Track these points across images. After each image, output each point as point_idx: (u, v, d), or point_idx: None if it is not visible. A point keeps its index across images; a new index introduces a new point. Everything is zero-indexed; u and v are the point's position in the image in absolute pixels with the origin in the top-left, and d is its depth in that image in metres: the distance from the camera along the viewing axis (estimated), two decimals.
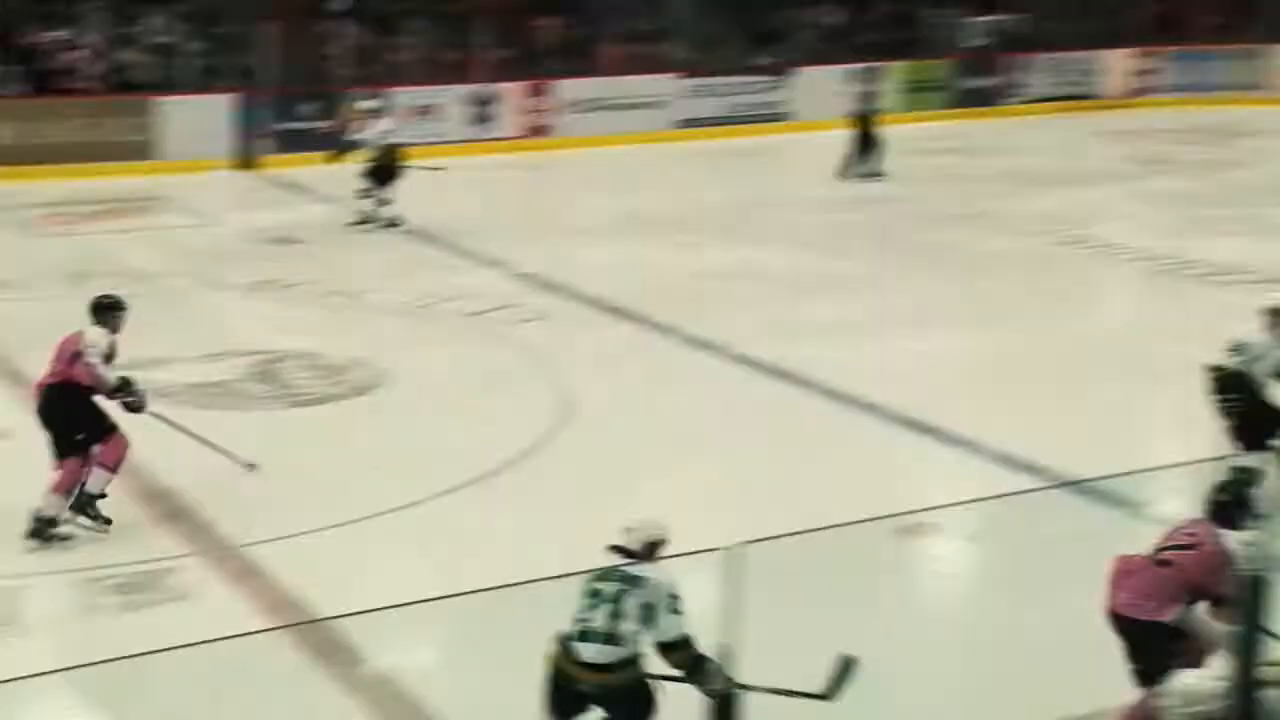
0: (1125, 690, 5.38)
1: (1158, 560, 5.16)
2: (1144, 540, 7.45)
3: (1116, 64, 23.86)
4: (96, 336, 7.24)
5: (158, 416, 7.55)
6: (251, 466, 7.81)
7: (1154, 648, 5.01)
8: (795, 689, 4.72)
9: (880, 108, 18.17)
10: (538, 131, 20.37)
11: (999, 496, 7.74)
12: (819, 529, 7.15)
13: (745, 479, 7.68)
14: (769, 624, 4.92)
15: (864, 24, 23.76)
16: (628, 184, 17.84)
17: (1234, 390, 7.63)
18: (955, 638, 6.28)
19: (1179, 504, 7.77)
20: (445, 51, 21.29)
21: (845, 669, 4.79)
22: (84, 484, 7.11)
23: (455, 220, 14.73)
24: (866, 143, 17.53)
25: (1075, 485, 7.80)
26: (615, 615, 4.77)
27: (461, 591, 6.43)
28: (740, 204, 16.40)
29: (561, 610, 4.85)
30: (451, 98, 19.46)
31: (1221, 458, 7.33)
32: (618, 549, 4.96)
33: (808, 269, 13.15)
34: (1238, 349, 7.71)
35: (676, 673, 4.81)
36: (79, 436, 7.16)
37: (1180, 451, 8.32)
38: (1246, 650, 3.85)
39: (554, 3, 21.66)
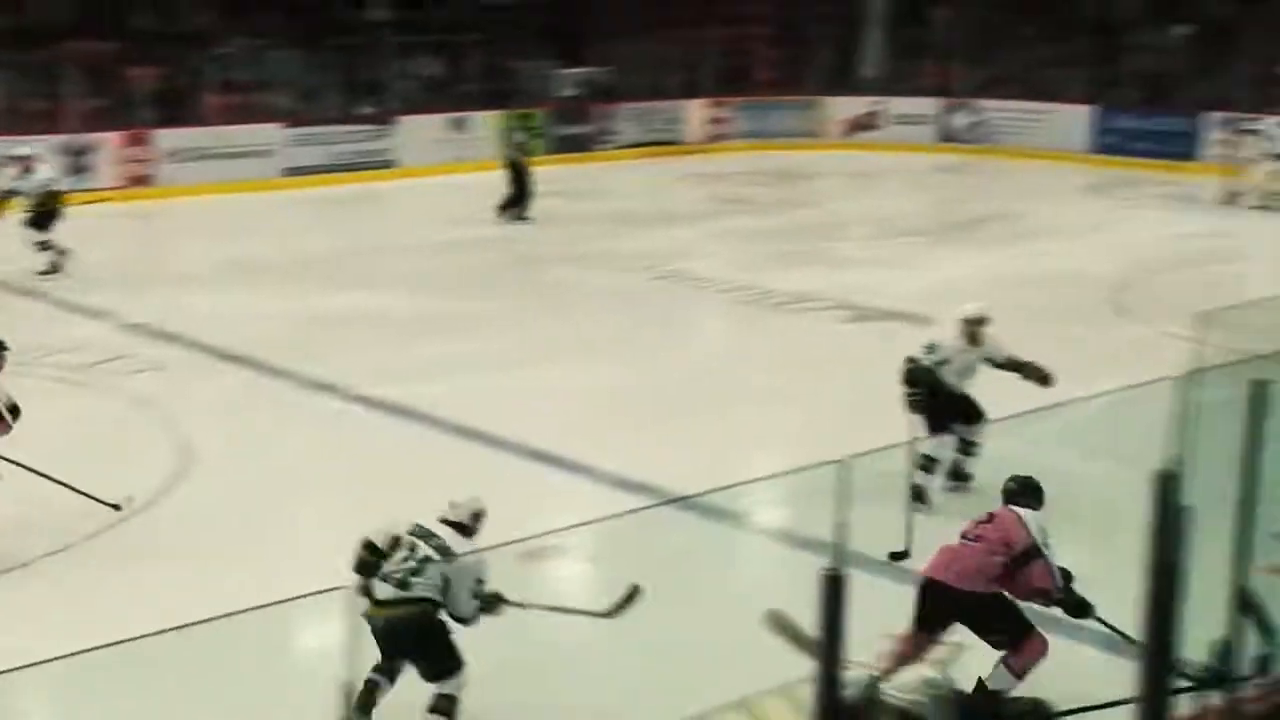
0: (739, 692, 5.65)
1: (971, 538, 5.66)
2: (747, 547, 7.96)
3: (695, 113, 25.12)
4: None
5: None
6: (118, 507, 7.68)
7: (995, 617, 5.52)
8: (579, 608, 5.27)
9: (531, 152, 18.36)
10: (139, 181, 19.45)
11: (614, 516, 7.95)
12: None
13: (371, 518, 7.59)
14: None
15: (461, 75, 24.05)
16: (235, 232, 17.27)
17: (920, 383, 8.08)
18: (580, 654, 6.41)
19: (775, 514, 8.29)
20: (31, 100, 20.04)
21: (631, 596, 5.44)
22: None
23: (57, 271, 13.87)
24: (518, 186, 17.68)
25: (683, 501, 8.12)
26: (415, 572, 5.28)
27: (82, 650, 6.02)
28: (349, 249, 16.20)
29: (184, 662, 4.60)
30: (43, 148, 18.27)
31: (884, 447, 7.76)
32: (446, 522, 5.47)
33: (421, 311, 13.10)
34: (930, 349, 8.18)
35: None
36: None
37: (772, 465, 8.82)
38: (829, 649, 3.98)
39: (148, 52, 20.77)
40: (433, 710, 5.28)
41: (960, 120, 24.64)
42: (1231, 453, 4.32)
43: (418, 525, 5.40)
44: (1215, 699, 4.38)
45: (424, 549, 5.31)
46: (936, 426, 8.12)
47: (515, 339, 12.11)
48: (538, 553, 7.36)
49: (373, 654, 5.26)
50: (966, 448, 8.23)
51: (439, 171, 19.35)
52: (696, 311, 13.79)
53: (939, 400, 8.12)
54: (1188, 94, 22.25)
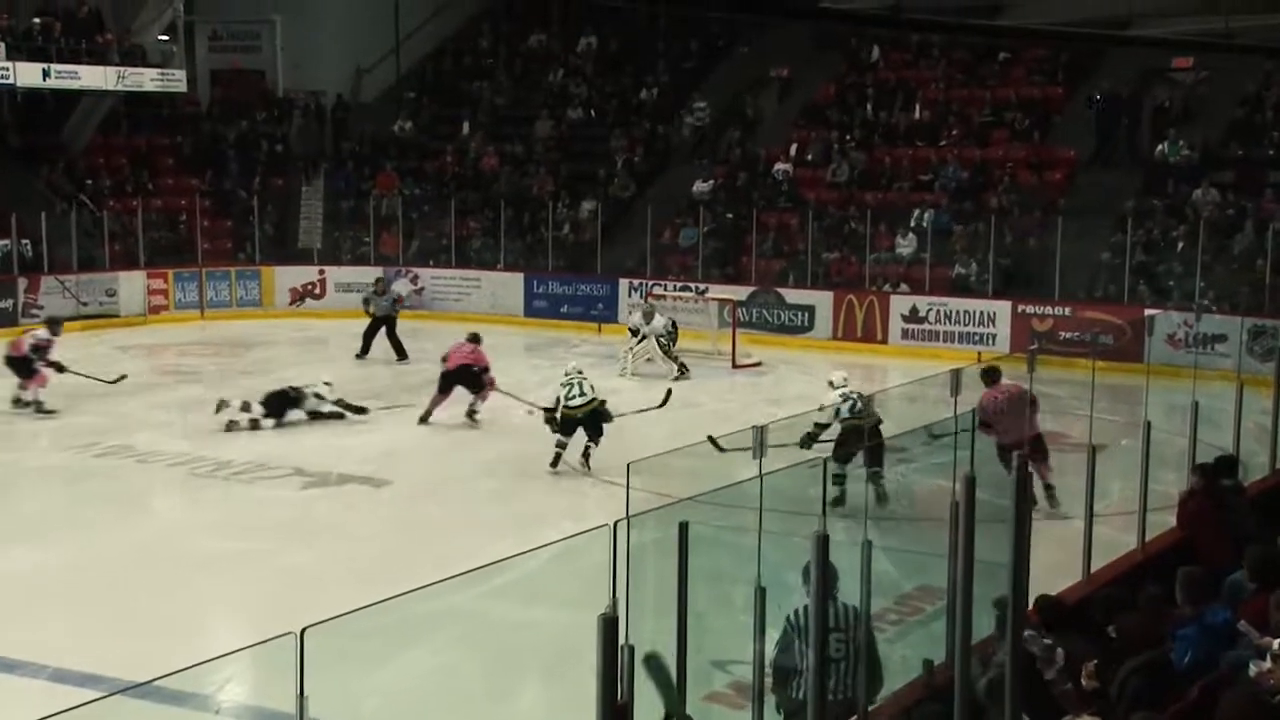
0: None
1: None
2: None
3: (136, 284, 23.89)
4: None
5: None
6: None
7: None
8: None
9: None
10: None
11: (62, 712, 7.20)
12: None
13: None
14: None
15: None
16: None
17: None
18: None
19: (240, 690, 7.82)
20: None
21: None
22: None
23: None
24: None
25: (136, 689, 7.48)
26: (582, 384, 12.73)
27: None
28: None
29: None
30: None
31: None
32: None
33: None
34: None
35: None
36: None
37: (233, 638, 8.35)
38: None
39: None
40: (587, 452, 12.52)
41: (402, 288, 25.10)
42: (670, 588, 4.57)
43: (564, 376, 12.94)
44: None
45: (577, 378, 12.78)
46: None
47: None
48: None
49: None
50: None
51: None
52: (145, 486, 12.92)
53: None
54: (604, 262, 23.91)
